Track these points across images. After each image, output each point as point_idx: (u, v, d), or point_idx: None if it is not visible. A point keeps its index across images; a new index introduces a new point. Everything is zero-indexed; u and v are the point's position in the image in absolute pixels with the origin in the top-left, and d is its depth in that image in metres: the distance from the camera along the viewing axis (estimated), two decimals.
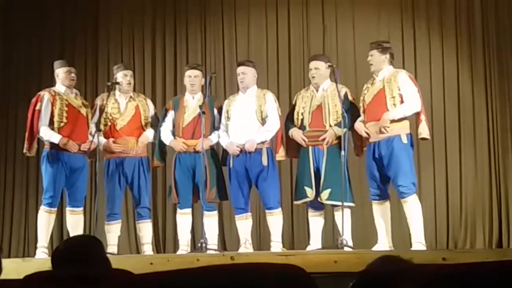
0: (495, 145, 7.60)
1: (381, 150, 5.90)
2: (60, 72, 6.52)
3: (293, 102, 6.45)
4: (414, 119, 6.17)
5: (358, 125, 6.05)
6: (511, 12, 7.71)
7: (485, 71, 7.74)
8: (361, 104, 6.14)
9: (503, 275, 1.57)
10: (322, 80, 6.25)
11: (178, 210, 6.50)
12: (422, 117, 6.02)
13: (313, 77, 6.26)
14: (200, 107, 6.28)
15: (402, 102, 5.93)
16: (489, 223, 7.53)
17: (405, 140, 5.90)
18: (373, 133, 5.93)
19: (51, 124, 6.35)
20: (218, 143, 6.48)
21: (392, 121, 5.86)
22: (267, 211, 6.34)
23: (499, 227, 7.46)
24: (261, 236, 7.59)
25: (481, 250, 7.05)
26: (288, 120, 6.37)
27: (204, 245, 5.98)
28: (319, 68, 6.24)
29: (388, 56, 6.09)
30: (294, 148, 6.37)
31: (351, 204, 6.10)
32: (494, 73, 7.69)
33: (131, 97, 6.60)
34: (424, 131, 6.03)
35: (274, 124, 6.29)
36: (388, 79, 5.98)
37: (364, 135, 6.01)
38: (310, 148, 6.15)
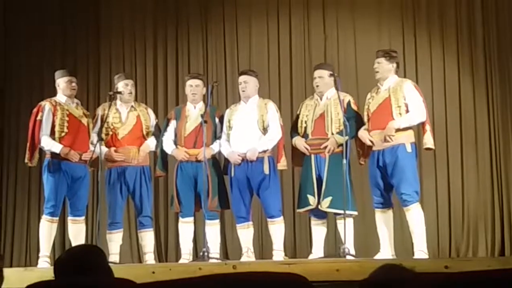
0: (497, 152, 7.60)
1: (386, 159, 5.90)
2: (61, 82, 6.54)
3: (298, 111, 6.46)
4: (417, 129, 6.18)
5: (362, 133, 6.06)
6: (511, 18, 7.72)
7: (486, 78, 7.74)
8: (365, 113, 6.15)
9: (505, 283, 1.57)
10: (326, 88, 6.26)
11: (180, 219, 6.50)
12: (427, 127, 6.04)
13: (317, 85, 6.28)
14: (202, 116, 6.28)
15: (407, 111, 5.94)
16: (492, 231, 7.51)
17: (409, 149, 5.90)
18: (377, 142, 5.94)
19: (52, 134, 6.36)
20: (219, 152, 6.48)
21: (397, 130, 5.88)
22: (268, 219, 6.34)
23: (501, 235, 7.44)
24: (263, 245, 7.58)
25: (484, 258, 7.04)
26: (293, 128, 6.38)
27: (206, 254, 5.98)
28: (323, 77, 6.25)
29: (395, 65, 6.13)
30: (298, 157, 6.37)
31: (354, 213, 6.09)
32: (495, 80, 7.69)
33: (132, 106, 6.61)
34: (429, 141, 6.05)
35: (275, 133, 6.30)
36: (393, 89, 5.99)
37: (368, 143, 6.01)
38: (312, 156, 6.15)
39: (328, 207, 6.03)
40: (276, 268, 5.36)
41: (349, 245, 5.92)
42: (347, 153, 5.95)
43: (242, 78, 6.46)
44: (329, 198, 6.01)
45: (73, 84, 6.55)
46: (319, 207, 6.07)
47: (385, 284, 2.08)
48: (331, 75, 6.21)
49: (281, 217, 6.34)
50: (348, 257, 5.74)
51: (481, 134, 7.68)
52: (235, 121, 6.36)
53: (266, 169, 6.21)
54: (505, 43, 7.71)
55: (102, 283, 2.28)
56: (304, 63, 8.10)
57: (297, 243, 7.81)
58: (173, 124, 6.53)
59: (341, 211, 5.92)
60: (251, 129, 6.29)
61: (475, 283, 1.61)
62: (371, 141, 5.98)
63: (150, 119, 6.67)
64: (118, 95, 6.55)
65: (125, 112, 6.56)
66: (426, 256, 5.88)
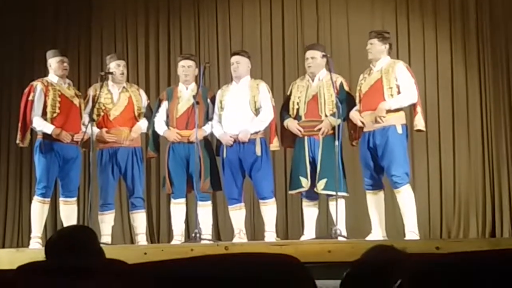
0: (489, 135, 7.62)
1: (376, 140, 5.91)
2: (53, 62, 6.50)
3: (288, 92, 6.44)
4: (409, 110, 6.18)
5: (354, 114, 6.05)
6: (504, 2, 7.70)
7: (479, 61, 7.74)
8: (357, 94, 6.14)
9: (495, 264, 1.58)
10: (318, 69, 6.23)
11: (172, 200, 6.50)
12: (418, 109, 6.04)
13: (309, 66, 6.24)
14: (194, 97, 6.27)
15: (399, 93, 5.94)
16: (483, 213, 7.54)
17: (400, 130, 5.91)
18: (368, 123, 5.94)
19: (44, 114, 6.33)
20: (211, 134, 6.47)
21: (388, 111, 5.87)
22: (260, 201, 6.34)
23: (492, 217, 7.48)
24: (255, 226, 7.59)
25: (475, 240, 7.08)
26: (284, 110, 6.35)
27: (198, 235, 6.00)
28: (315, 58, 6.22)
29: (387, 46, 6.11)
30: (289, 138, 6.36)
31: (345, 194, 6.11)
32: (487, 63, 7.69)
33: (124, 87, 6.58)
34: (419, 123, 6.05)
35: (267, 115, 6.28)
36: (386, 70, 5.98)
37: (359, 124, 6.01)
38: (305, 138, 6.14)
39: (323, 189, 6.04)
40: (268, 249, 5.37)
41: (341, 226, 5.94)
42: (340, 135, 5.95)
43: (234, 59, 6.43)
44: (324, 180, 6.01)
45: (65, 64, 6.51)
46: (314, 189, 6.07)
47: (376, 265, 2.08)
48: (323, 56, 6.19)
49: (273, 199, 6.34)
50: (340, 238, 5.77)
51: (473, 117, 7.69)
52: (227, 101, 6.34)
53: (258, 151, 6.20)
54: (497, 27, 7.70)
55: (94, 264, 2.28)
56: (296, 44, 8.08)
57: (289, 224, 7.83)
58: (165, 105, 6.51)
59: (334, 193, 5.94)
60: (243, 110, 6.27)
61: (466, 264, 1.61)
62: (362, 122, 5.98)
63: (142, 100, 6.65)
64: (109, 76, 6.52)
65: (116, 93, 6.53)
66: (417, 237, 5.91)
